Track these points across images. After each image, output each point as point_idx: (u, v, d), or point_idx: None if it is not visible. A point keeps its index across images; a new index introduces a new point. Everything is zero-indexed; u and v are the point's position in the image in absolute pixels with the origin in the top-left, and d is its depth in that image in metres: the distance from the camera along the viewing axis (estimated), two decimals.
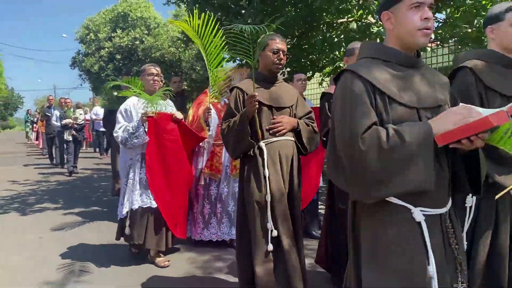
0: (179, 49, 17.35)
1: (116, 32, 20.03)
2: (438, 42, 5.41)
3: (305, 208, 3.72)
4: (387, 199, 1.27)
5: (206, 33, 2.63)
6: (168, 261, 3.27)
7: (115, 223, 3.57)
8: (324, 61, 6.09)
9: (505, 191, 1.35)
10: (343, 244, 2.03)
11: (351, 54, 2.67)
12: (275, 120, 2.39)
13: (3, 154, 14.33)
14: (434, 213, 1.30)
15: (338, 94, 1.38)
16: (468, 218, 1.68)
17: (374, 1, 4.67)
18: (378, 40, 4.85)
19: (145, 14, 20.32)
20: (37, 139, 16.35)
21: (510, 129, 1.19)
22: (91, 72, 21.14)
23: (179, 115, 3.21)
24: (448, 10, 5.06)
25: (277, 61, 2.39)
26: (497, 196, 1.36)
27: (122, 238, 3.31)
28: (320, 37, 5.02)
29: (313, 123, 2.54)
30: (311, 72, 6.59)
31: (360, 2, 5.05)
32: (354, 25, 5.27)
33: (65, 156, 8.84)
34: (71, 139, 8.40)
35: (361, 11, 5.11)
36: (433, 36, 4.77)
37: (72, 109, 8.72)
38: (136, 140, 3.05)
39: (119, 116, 3.21)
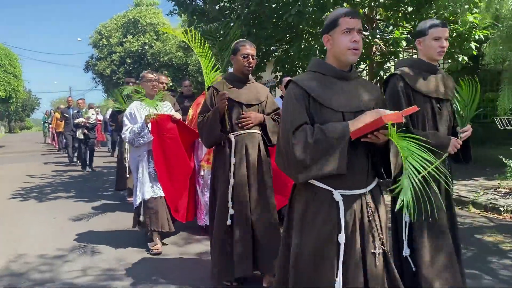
0: (186, 53, 18.07)
1: (127, 38, 20.99)
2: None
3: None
4: (311, 182, 1.61)
5: (196, 45, 3.04)
6: (159, 249, 3.55)
7: (121, 211, 4.30)
8: (305, 66, 6.74)
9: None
10: None
11: None
12: (244, 115, 2.72)
13: (23, 152, 15.36)
14: (353, 193, 1.61)
15: (284, 98, 1.75)
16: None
17: None
18: None
19: (154, 20, 21.19)
20: (53, 139, 17.19)
21: (391, 127, 1.42)
22: (103, 75, 22.19)
23: (177, 116, 3.66)
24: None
25: (247, 64, 2.71)
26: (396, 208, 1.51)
27: (124, 228, 3.87)
28: (296, 46, 5.70)
29: (279, 118, 2.92)
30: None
31: None
32: None
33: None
34: (82, 137, 9.09)
35: None
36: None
37: (84, 109, 9.42)
38: (142, 139, 3.50)
39: (125, 119, 3.64)
